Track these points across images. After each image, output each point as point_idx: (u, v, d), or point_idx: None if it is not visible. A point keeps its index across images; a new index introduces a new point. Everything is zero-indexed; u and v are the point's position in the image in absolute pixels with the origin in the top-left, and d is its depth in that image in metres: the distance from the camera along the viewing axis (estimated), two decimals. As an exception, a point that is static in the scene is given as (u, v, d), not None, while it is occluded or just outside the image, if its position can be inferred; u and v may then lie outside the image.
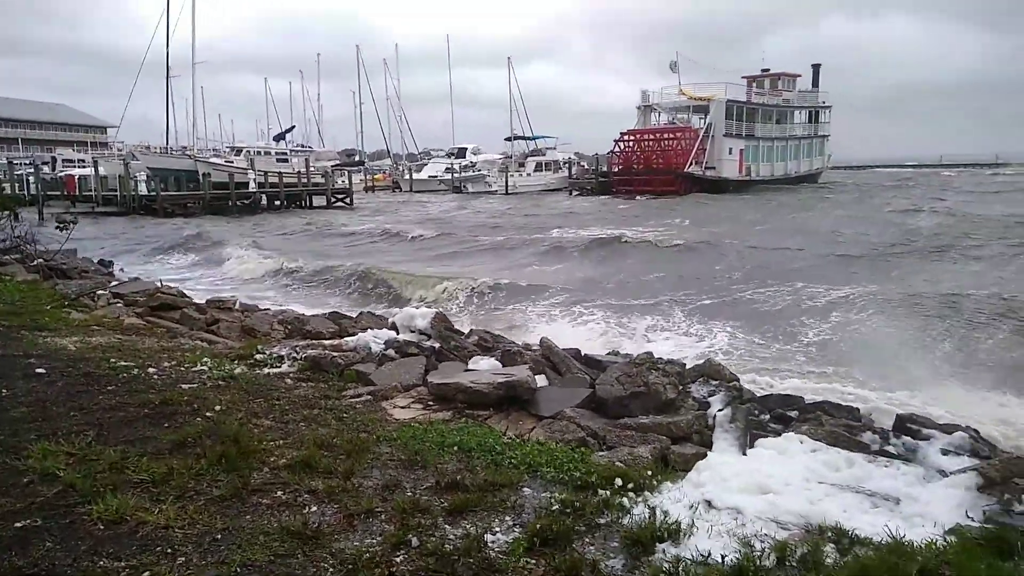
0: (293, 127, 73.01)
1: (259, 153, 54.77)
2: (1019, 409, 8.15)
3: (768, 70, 62.49)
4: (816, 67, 66.40)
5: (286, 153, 58.71)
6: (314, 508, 3.91)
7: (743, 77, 60.53)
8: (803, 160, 64.13)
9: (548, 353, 7.11)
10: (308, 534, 3.57)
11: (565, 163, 66.35)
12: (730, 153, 55.03)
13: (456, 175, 66.09)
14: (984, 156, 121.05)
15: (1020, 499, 4.53)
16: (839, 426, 5.36)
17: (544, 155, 67.56)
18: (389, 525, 3.72)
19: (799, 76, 63.97)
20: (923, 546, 3.67)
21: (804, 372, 9.60)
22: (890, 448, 5.22)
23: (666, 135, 54.20)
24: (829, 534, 3.81)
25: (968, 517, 4.20)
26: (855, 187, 57.43)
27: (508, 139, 72.63)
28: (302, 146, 68.44)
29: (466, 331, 8.71)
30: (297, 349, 7.31)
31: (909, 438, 5.32)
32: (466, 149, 74.53)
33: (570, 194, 58.16)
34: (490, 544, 3.55)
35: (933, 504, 4.30)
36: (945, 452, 5.14)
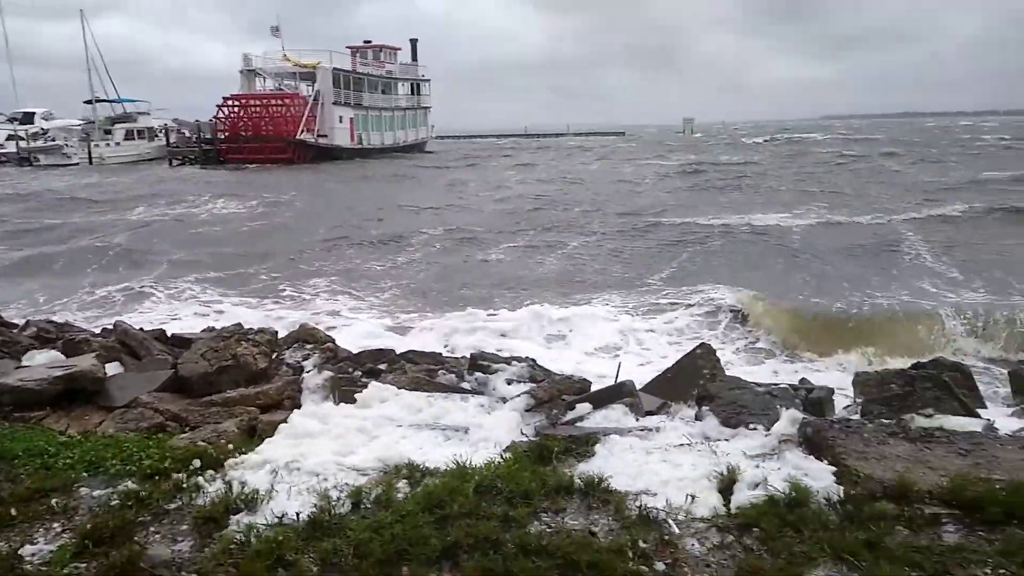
0: None
1: None
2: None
3: (370, 41, 64.00)
4: (414, 41, 70.00)
5: None
6: None
7: (347, 47, 61.11)
8: (410, 130, 67.53)
9: (123, 337, 6.38)
10: None
11: (161, 130, 59.85)
12: (340, 121, 55.41)
13: (23, 145, 55.18)
14: (559, 126, 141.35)
15: (564, 412, 5.38)
16: (420, 371, 5.79)
17: (136, 121, 60.03)
18: None
19: (399, 49, 66.77)
20: (482, 466, 4.13)
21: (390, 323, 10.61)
22: (465, 385, 5.78)
23: (274, 101, 52.36)
24: (404, 471, 4.08)
25: (522, 435, 4.84)
26: (454, 156, 62.24)
27: (88, 102, 62.72)
28: None
29: (21, 323, 7.39)
30: None
31: (481, 373, 5.96)
32: (34, 113, 62.59)
33: (171, 164, 52.86)
34: (28, 558, 3.08)
35: (496, 429, 4.85)
36: (509, 382, 5.86)
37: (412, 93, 68.96)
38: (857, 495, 3.63)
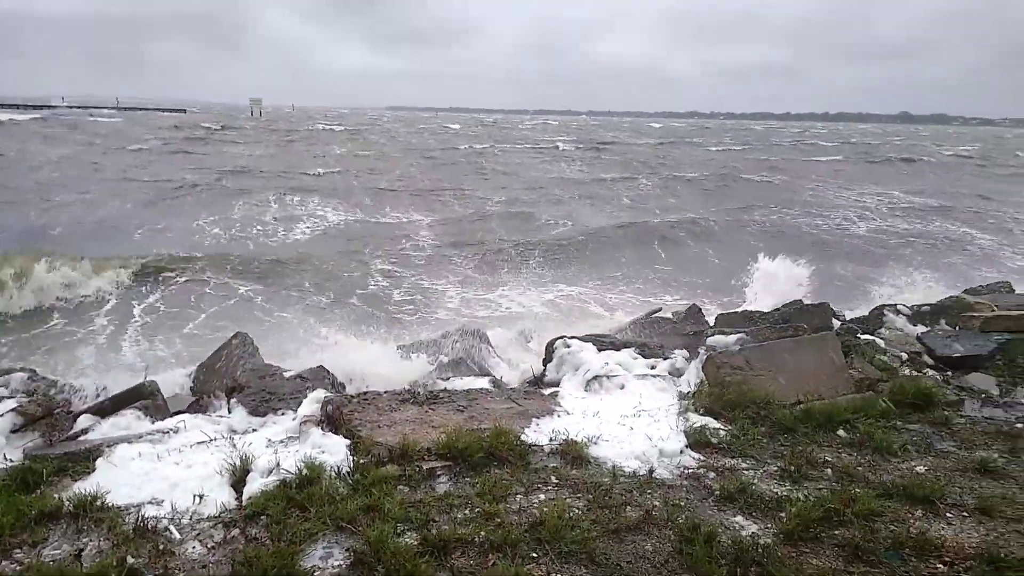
0: None
1: None
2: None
3: None
4: None
5: None
6: None
7: None
8: None
9: None
10: None
11: None
12: None
13: None
14: (106, 98, 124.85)
15: (71, 426, 4.69)
16: None
17: None
18: None
19: None
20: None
21: None
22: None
23: None
24: None
25: (6, 460, 4.09)
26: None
27: None
28: None
29: None
30: None
31: (-44, 396, 4.87)
32: None
33: None
34: None
35: (-39, 461, 4.00)
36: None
37: None
38: (366, 463, 3.84)
